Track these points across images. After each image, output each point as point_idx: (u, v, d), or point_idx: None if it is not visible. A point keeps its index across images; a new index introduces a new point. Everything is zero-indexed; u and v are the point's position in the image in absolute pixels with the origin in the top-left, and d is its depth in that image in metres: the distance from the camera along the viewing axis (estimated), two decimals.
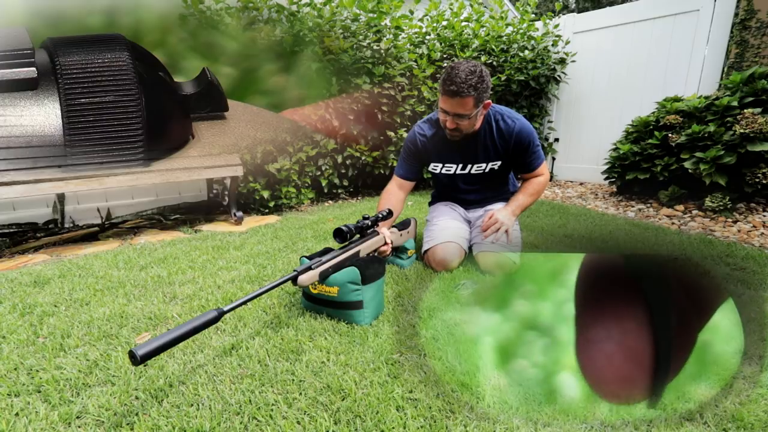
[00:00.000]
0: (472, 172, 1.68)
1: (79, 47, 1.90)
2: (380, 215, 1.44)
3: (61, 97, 1.83)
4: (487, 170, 1.67)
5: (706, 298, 0.27)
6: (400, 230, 1.54)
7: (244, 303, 0.93)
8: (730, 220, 2.34)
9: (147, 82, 2.00)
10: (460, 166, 1.68)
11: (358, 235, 1.32)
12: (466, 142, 1.62)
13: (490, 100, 1.52)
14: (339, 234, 1.24)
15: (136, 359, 0.69)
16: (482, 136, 1.60)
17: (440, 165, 1.70)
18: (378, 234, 1.40)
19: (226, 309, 0.87)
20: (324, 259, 1.12)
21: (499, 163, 1.65)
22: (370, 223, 1.35)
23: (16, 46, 1.79)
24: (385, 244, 1.42)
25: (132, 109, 1.93)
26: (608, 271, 0.28)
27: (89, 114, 1.87)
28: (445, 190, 1.84)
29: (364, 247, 1.31)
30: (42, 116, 1.82)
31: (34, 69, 1.81)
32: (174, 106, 2.25)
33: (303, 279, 1.05)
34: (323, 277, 1.11)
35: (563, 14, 4.10)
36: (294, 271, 1.05)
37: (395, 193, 1.73)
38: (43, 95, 1.83)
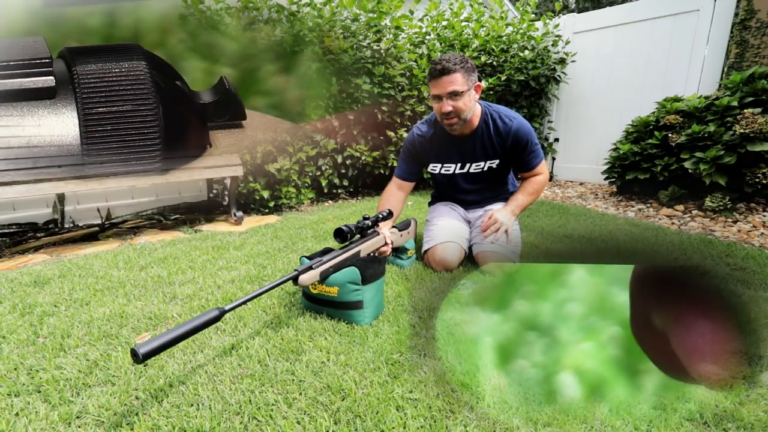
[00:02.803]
0: (471, 171, 1.68)
1: (96, 56, 1.90)
2: (381, 215, 1.44)
3: (78, 106, 1.84)
4: (485, 169, 1.66)
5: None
6: (400, 230, 1.54)
7: (245, 302, 0.93)
8: (730, 220, 2.34)
9: (164, 92, 2.00)
10: (459, 165, 1.68)
11: (358, 235, 1.32)
12: (464, 140, 1.63)
13: (480, 83, 1.54)
14: (339, 234, 1.23)
15: (138, 357, 0.69)
16: (480, 134, 1.61)
17: (439, 165, 1.70)
18: (378, 234, 1.40)
19: (227, 308, 0.87)
20: (324, 259, 1.12)
21: (497, 161, 1.65)
22: (370, 224, 1.35)
23: (34, 55, 1.80)
24: (386, 244, 1.42)
25: (150, 118, 1.93)
26: (673, 278, 0.32)
27: (107, 123, 1.87)
28: (444, 191, 1.84)
29: (365, 248, 1.31)
30: (59, 125, 1.83)
31: (52, 78, 1.82)
32: (191, 115, 2.26)
33: (304, 279, 1.05)
34: (324, 277, 1.11)
35: (563, 14, 4.10)
36: (295, 270, 1.06)
37: (395, 194, 1.73)
38: (61, 104, 1.84)
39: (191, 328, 0.79)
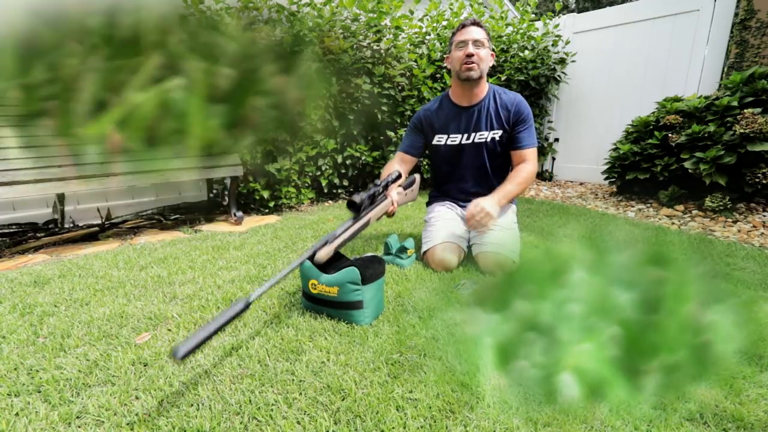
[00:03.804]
0: (476, 141, 1.70)
1: None
2: (390, 179, 1.46)
3: None
4: (489, 140, 1.69)
5: None
6: (405, 189, 1.56)
7: (270, 287, 0.97)
8: (730, 220, 2.34)
9: None
10: (465, 135, 1.70)
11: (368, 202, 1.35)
12: (470, 111, 1.68)
13: (494, 53, 1.69)
14: (352, 206, 1.25)
15: (178, 358, 0.71)
16: (486, 104, 1.68)
17: (445, 136, 1.73)
18: (386, 198, 1.42)
19: (252, 298, 0.90)
20: (338, 232, 1.15)
21: (500, 133, 1.68)
22: (381, 189, 1.37)
23: None
24: (393, 205, 1.46)
25: None
26: None
27: None
28: (445, 177, 1.83)
29: (374, 213, 1.33)
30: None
31: None
32: None
33: (321, 255, 1.09)
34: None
35: (563, 14, 4.10)
36: (311, 247, 1.09)
37: (398, 165, 1.75)
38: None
39: (223, 322, 0.82)
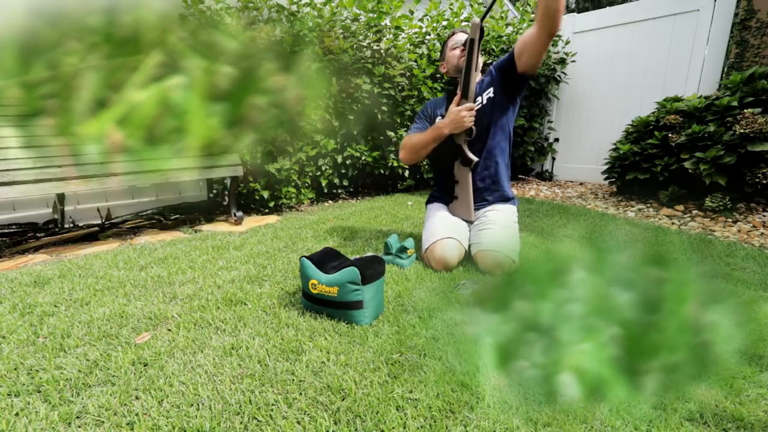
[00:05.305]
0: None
1: None
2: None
3: None
4: (485, 101, 1.72)
5: None
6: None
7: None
8: (730, 220, 2.34)
9: None
10: None
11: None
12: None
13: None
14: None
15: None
16: (477, 84, 1.77)
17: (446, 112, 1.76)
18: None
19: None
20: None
21: (491, 89, 1.72)
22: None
23: None
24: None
25: None
26: None
27: None
28: (443, 165, 1.80)
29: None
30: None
31: None
32: None
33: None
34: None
35: (563, 14, 4.10)
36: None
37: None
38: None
39: None
